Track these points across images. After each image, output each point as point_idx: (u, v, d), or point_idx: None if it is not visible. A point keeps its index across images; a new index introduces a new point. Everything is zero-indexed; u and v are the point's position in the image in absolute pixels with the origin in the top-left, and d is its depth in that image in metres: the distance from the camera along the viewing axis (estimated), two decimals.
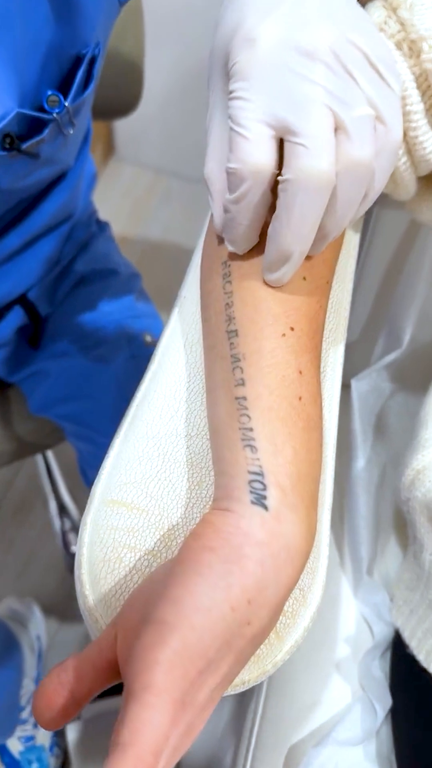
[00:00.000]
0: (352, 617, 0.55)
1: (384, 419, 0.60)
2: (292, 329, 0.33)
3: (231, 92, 0.30)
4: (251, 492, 0.30)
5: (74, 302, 0.73)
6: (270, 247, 0.32)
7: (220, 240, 0.36)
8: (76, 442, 0.75)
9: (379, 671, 0.52)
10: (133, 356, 0.72)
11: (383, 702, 0.50)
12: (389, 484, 0.58)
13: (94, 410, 0.71)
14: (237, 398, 0.32)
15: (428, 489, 0.49)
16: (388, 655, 0.53)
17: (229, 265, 0.35)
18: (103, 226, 0.79)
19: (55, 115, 0.48)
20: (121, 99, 0.79)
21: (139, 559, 0.32)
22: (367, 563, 0.56)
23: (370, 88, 0.30)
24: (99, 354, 0.72)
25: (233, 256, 0.35)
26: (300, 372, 0.33)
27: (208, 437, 0.35)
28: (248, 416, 0.32)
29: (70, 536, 1.11)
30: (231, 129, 0.30)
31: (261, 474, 0.30)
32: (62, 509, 1.10)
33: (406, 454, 0.53)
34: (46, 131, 0.48)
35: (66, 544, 1.10)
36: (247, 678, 0.31)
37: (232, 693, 0.31)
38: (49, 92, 0.47)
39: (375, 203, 0.55)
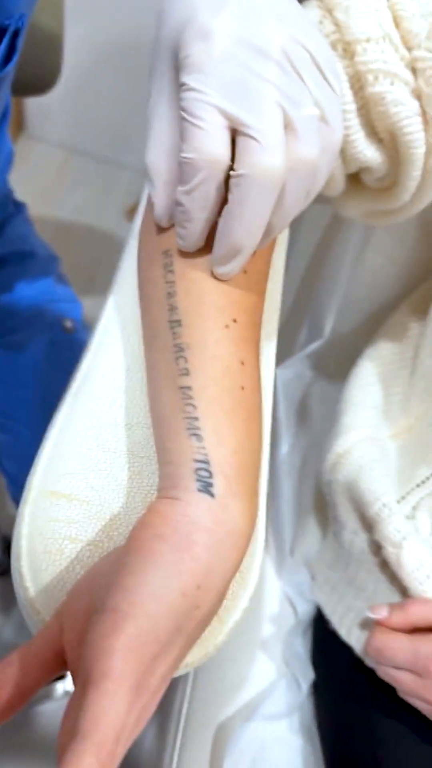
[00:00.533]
0: (275, 597, 0.57)
1: (306, 406, 0.63)
2: (234, 321, 0.34)
3: (183, 84, 0.30)
4: (198, 480, 0.30)
5: None
6: (221, 240, 0.32)
7: (160, 229, 0.36)
8: None
9: (302, 648, 0.55)
10: (52, 342, 0.71)
11: (306, 677, 0.53)
12: (311, 468, 0.61)
13: (10, 399, 0.69)
14: (181, 388, 0.33)
15: (348, 472, 0.51)
16: (310, 632, 0.56)
17: (171, 255, 0.35)
18: (20, 207, 0.76)
19: None
20: (40, 75, 0.76)
21: (81, 550, 0.32)
22: (289, 544, 0.58)
23: (315, 88, 0.31)
24: (15, 340, 0.69)
25: (175, 247, 0.35)
26: (242, 363, 0.34)
27: (149, 427, 0.35)
28: (193, 405, 0.32)
29: None
30: (184, 119, 0.30)
31: (207, 462, 0.31)
32: None
33: (328, 439, 0.55)
34: None
35: None
36: (190, 661, 0.32)
37: (175, 675, 0.32)
38: None
39: None
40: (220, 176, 0.30)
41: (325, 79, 0.32)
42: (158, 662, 0.26)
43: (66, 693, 0.85)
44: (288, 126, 0.30)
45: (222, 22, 0.30)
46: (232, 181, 0.30)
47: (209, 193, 0.31)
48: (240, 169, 0.30)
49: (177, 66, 0.31)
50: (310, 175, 0.32)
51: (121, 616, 0.25)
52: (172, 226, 0.36)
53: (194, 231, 0.33)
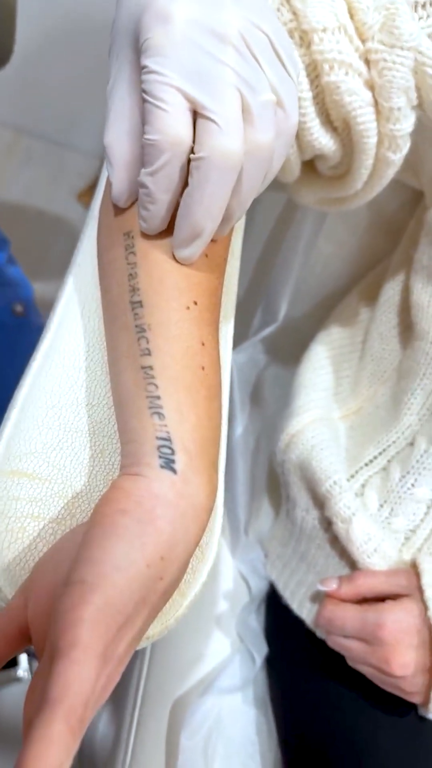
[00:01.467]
0: (230, 575, 0.59)
1: (259, 390, 0.64)
2: (195, 303, 0.35)
3: (145, 67, 0.30)
4: (160, 457, 0.31)
5: None
6: (182, 223, 0.33)
7: (121, 211, 0.37)
8: None
9: (256, 623, 0.56)
10: (1, 326, 0.70)
11: (260, 651, 0.55)
12: (264, 449, 0.62)
13: None
14: (143, 368, 0.33)
15: (301, 452, 0.53)
16: (264, 608, 0.58)
17: (133, 237, 0.36)
18: None
19: None
20: None
21: (44, 528, 0.32)
22: (243, 524, 0.60)
23: (272, 73, 0.32)
24: None
25: (138, 229, 0.35)
26: (202, 343, 0.34)
27: (110, 406, 0.36)
28: (155, 385, 0.33)
29: None
30: (147, 101, 0.30)
31: (169, 440, 0.31)
32: None
33: (281, 420, 0.57)
34: None
35: None
36: (151, 633, 0.33)
37: (137, 648, 0.33)
38: None
39: None
40: (183, 158, 0.31)
41: (282, 64, 0.32)
42: (124, 632, 0.27)
43: (26, 675, 0.85)
44: (245, 111, 0.31)
45: (181, 5, 0.30)
46: (192, 164, 0.31)
47: (173, 174, 0.31)
48: (200, 152, 0.30)
49: (137, 49, 0.31)
50: (267, 159, 0.32)
51: (88, 587, 0.26)
52: (132, 206, 0.36)
53: (157, 213, 0.33)
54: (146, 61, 0.30)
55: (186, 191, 0.32)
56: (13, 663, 0.83)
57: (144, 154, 0.31)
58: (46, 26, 1.41)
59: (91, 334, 0.38)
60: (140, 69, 0.31)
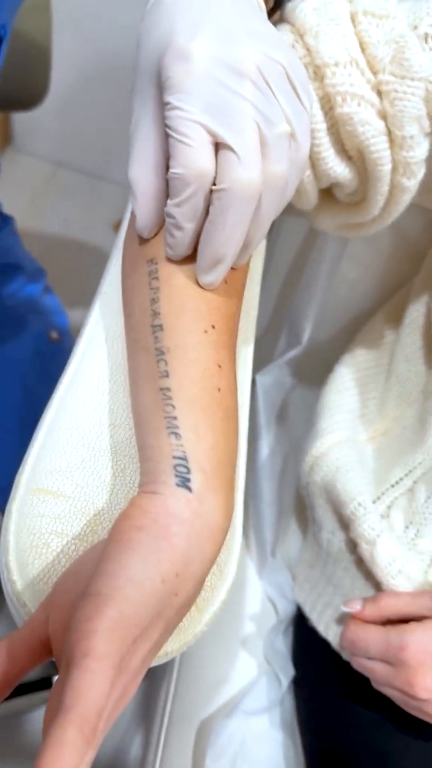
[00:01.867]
0: (257, 597, 0.59)
1: (285, 411, 0.65)
2: (213, 327, 0.36)
3: (168, 103, 0.32)
4: (176, 475, 0.32)
5: None
6: (205, 250, 0.34)
7: (144, 240, 0.38)
8: None
9: (283, 645, 0.56)
10: (37, 352, 0.72)
11: (286, 673, 0.54)
12: (290, 471, 0.63)
13: None
14: (161, 389, 0.34)
15: (326, 474, 0.54)
16: (291, 630, 0.58)
17: (156, 263, 0.37)
18: (7, 220, 0.78)
19: None
20: (28, 90, 0.78)
21: (66, 544, 0.33)
22: (271, 546, 0.60)
23: (287, 105, 0.33)
24: (2, 349, 0.71)
25: (161, 256, 0.37)
26: (219, 366, 0.36)
27: (131, 427, 0.37)
28: (172, 405, 0.34)
29: None
30: (171, 137, 0.32)
31: (185, 459, 0.32)
32: None
33: (306, 443, 0.58)
34: None
35: None
36: (170, 649, 0.34)
37: (156, 663, 0.33)
38: None
39: None
40: (207, 188, 0.33)
41: (297, 95, 0.34)
42: (139, 645, 0.28)
43: None
44: (262, 143, 0.32)
45: (200, 43, 0.32)
46: (214, 195, 0.32)
47: (197, 204, 0.33)
48: (222, 183, 0.32)
49: (159, 85, 0.33)
50: (282, 188, 0.34)
51: (103, 599, 0.27)
52: (156, 235, 0.38)
53: (183, 240, 0.35)
54: (169, 98, 0.32)
55: (208, 220, 0.33)
56: (48, 685, 0.84)
57: (170, 186, 0.33)
58: (82, 66, 1.47)
59: (114, 358, 0.39)
60: (163, 105, 0.33)
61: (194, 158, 0.32)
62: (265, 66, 0.33)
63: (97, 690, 0.25)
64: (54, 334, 0.74)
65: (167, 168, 0.34)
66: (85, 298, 0.42)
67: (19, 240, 0.79)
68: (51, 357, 0.71)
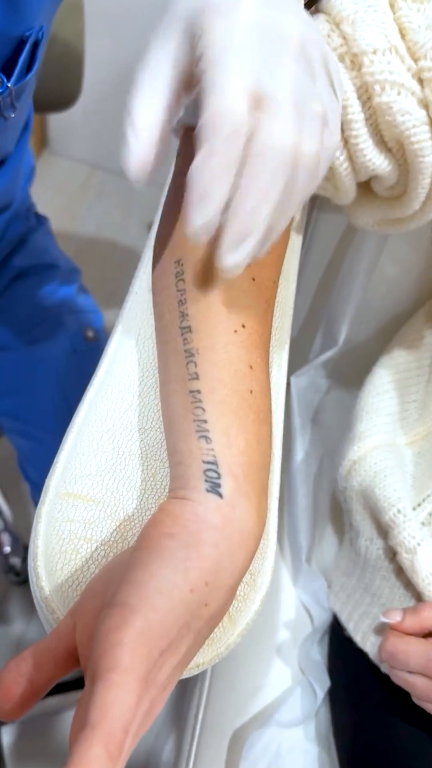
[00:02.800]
0: (291, 604, 0.57)
1: (320, 414, 0.63)
2: (243, 326, 0.35)
3: (202, 54, 0.29)
4: (206, 481, 0.31)
5: (13, 297, 0.72)
6: (231, 223, 0.30)
7: (172, 240, 0.37)
8: (14, 439, 0.74)
9: (318, 655, 0.55)
10: (74, 351, 0.72)
11: (322, 684, 0.53)
12: (326, 475, 0.61)
13: (33, 406, 0.70)
14: (191, 392, 0.33)
15: (363, 478, 0.52)
16: (326, 639, 0.56)
17: (182, 264, 0.36)
18: (41, 220, 0.78)
19: None
20: (61, 91, 0.78)
21: (96, 549, 0.33)
22: (305, 552, 0.58)
23: (322, 88, 0.31)
24: (39, 349, 0.71)
25: (188, 257, 0.36)
26: (251, 367, 0.34)
27: (161, 430, 0.36)
28: (202, 409, 0.33)
29: (3, 536, 1.09)
30: (205, 86, 0.29)
31: (215, 463, 0.31)
32: None
33: (342, 446, 0.56)
34: None
35: None
36: (201, 661, 0.32)
37: (187, 676, 0.32)
38: None
39: (314, 207, 0.57)
40: (240, 142, 0.29)
41: (331, 82, 0.32)
42: (167, 657, 0.27)
43: None
44: (297, 116, 0.30)
45: (245, 3, 0.30)
46: (247, 154, 0.29)
47: (229, 161, 0.29)
48: (256, 144, 0.29)
49: (190, 35, 0.31)
50: (312, 170, 0.31)
51: (130, 609, 0.26)
52: (184, 238, 0.36)
53: (209, 209, 0.30)
54: (207, 50, 0.29)
55: (238, 187, 0.30)
56: (78, 686, 0.84)
57: (199, 139, 0.29)
58: (116, 68, 1.47)
59: (145, 360, 0.39)
60: (188, 55, 0.30)
61: (230, 106, 0.28)
62: (307, 44, 0.31)
63: (123, 705, 0.24)
64: (90, 333, 0.74)
65: (174, 116, 0.31)
66: (119, 298, 0.42)
67: (55, 240, 0.79)
68: (87, 356, 0.71)
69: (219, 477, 0.31)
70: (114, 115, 1.57)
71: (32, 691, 0.28)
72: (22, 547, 1.08)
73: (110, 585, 0.29)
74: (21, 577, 1.09)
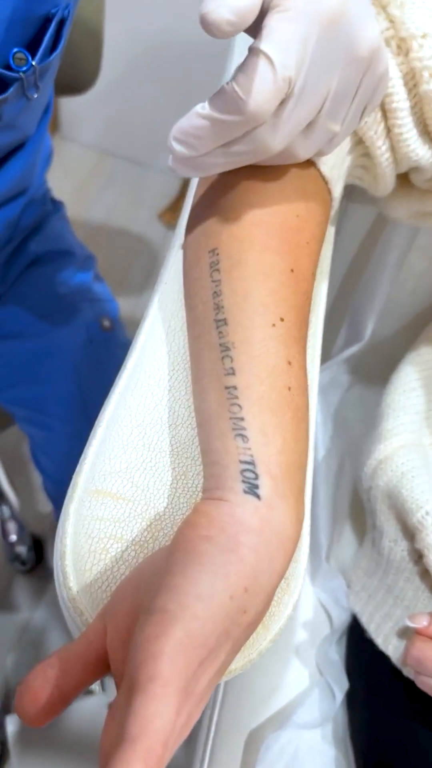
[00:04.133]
0: (310, 603, 0.56)
1: (342, 411, 0.62)
2: (281, 320, 0.34)
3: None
4: (243, 481, 0.30)
5: (28, 283, 0.70)
6: None
7: (207, 228, 0.36)
8: (27, 428, 0.73)
9: (336, 655, 0.54)
10: (90, 341, 0.71)
11: (341, 686, 0.52)
12: (347, 473, 0.60)
13: (48, 395, 0.69)
14: (227, 387, 0.32)
15: (390, 478, 0.50)
16: (345, 640, 0.55)
17: (218, 254, 0.35)
18: (57, 206, 0.76)
19: (21, 74, 0.46)
20: (80, 74, 0.77)
21: (126, 549, 0.31)
22: (325, 550, 0.57)
23: (351, 114, 0.34)
24: (54, 337, 0.70)
25: (223, 246, 0.35)
26: (289, 362, 0.33)
27: (193, 426, 0.35)
28: (239, 406, 0.31)
29: (9, 525, 1.08)
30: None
31: (252, 463, 0.30)
32: (0, 497, 1.07)
33: (366, 445, 0.55)
34: (11, 90, 0.46)
35: (5, 533, 1.07)
36: (233, 667, 0.31)
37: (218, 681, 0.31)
38: (16, 49, 0.45)
39: (344, 197, 0.55)
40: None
41: (362, 111, 0.34)
42: (205, 667, 0.25)
43: (98, 688, 0.85)
44: (311, 124, 0.32)
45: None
46: None
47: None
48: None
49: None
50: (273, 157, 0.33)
51: (170, 618, 0.25)
52: (218, 223, 0.35)
53: None
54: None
55: None
56: None
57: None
58: (130, 53, 1.45)
59: (175, 353, 0.37)
60: None
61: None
62: (374, 60, 0.32)
63: (163, 718, 0.23)
64: (106, 323, 0.73)
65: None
66: (128, 286, 0.41)
67: (70, 226, 0.78)
68: (103, 346, 0.70)
69: (257, 477, 0.30)
70: (126, 102, 1.55)
71: (60, 697, 0.27)
72: (28, 535, 1.07)
73: (142, 587, 0.28)
74: (26, 566, 1.08)
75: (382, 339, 0.59)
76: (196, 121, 0.30)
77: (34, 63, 0.47)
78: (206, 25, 0.27)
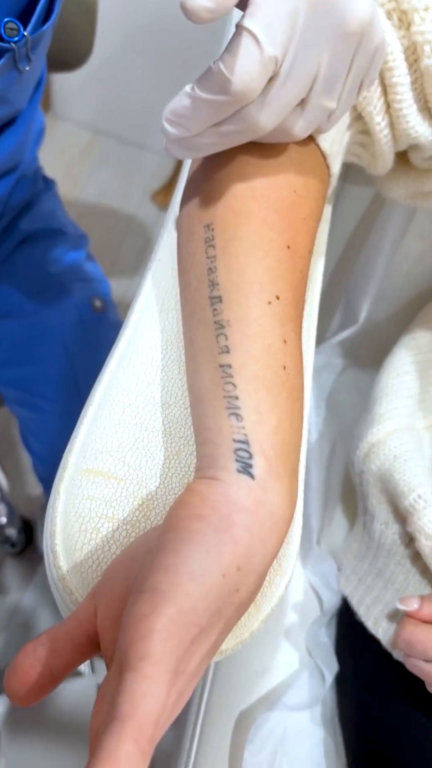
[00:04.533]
0: (300, 586, 0.56)
1: (336, 394, 0.61)
2: (277, 297, 0.33)
3: None
4: (237, 461, 0.29)
5: (19, 261, 0.69)
6: None
7: (201, 202, 0.35)
8: (16, 409, 0.72)
9: (327, 638, 0.54)
10: (81, 321, 0.70)
11: (330, 668, 0.52)
12: (339, 456, 0.60)
13: (38, 376, 0.68)
14: (221, 366, 0.32)
15: (382, 462, 0.50)
16: (335, 622, 0.55)
17: (213, 229, 0.34)
18: (49, 184, 0.75)
19: (12, 44, 0.45)
20: (74, 48, 0.75)
21: (117, 529, 0.31)
22: (316, 533, 0.57)
23: (347, 91, 0.33)
24: (45, 317, 0.69)
25: (219, 221, 0.34)
26: (285, 341, 0.33)
27: (186, 405, 0.34)
28: (233, 384, 0.31)
29: None
30: None
31: (246, 443, 0.30)
32: None
33: (360, 428, 0.54)
34: (2, 61, 0.45)
35: None
36: (225, 647, 0.31)
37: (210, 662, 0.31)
38: (7, 19, 0.44)
39: (340, 178, 0.55)
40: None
41: (359, 86, 0.33)
42: (197, 645, 0.25)
43: (86, 669, 0.85)
44: (304, 100, 0.31)
45: None
46: None
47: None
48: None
49: None
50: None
51: (161, 596, 0.24)
52: (214, 197, 0.35)
53: None
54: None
55: None
56: None
57: None
58: (124, 31, 1.42)
59: (168, 331, 0.37)
60: None
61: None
62: (365, 36, 0.30)
63: (154, 698, 0.23)
64: (98, 303, 0.72)
65: None
66: (120, 266, 0.40)
67: (62, 205, 0.76)
68: (94, 326, 0.69)
69: (250, 457, 0.29)
70: (120, 80, 1.53)
71: (50, 676, 0.27)
72: (18, 518, 1.07)
73: (134, 567, 0.28)
74: (16, 549, 1.08)
75: (377, 322, 0.58)
76: (185, 102, 0.30)
77: (26, 33, 0.46)
78: (186, 12, 0.27)
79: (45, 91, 1.61)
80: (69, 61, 0.79)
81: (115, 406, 0.34)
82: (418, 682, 0.45)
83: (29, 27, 0.46)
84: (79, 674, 0.87)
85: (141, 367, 0.35)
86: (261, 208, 0.34)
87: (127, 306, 0.39)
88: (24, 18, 0.46)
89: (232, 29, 0.55)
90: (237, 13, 0.64)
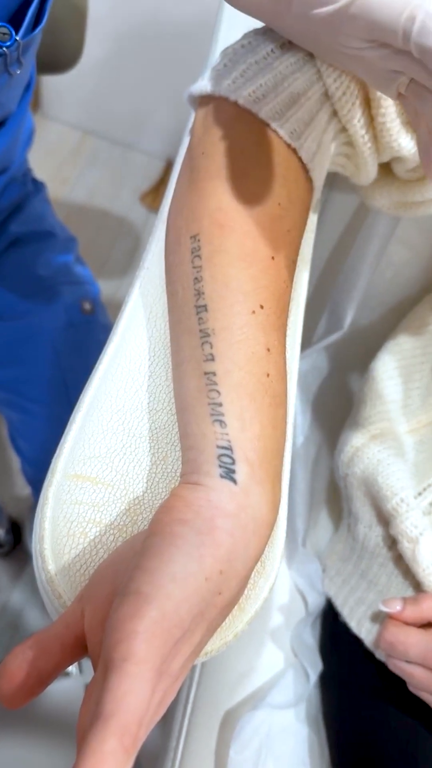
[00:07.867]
0: (286, 587, 0.57)
1: (321, 398, 0.62)
2: (261, 307, 0.34)
3: None
4: (220, 466, 0.30)
5: (7, 264, 0.69)
6: None
7: (188, 213, 0.36)
8: (5, 411, 0.72)
9: (311, 638, 0.55)
10: (70, 324, 0.70)
11: (315, 667, 0.53)
12: (324, 460, 0.60)
13: (27, 378, 0.68)
14: (206, 373, 0.32)
15: (366, 465, 0.51)
16: (320, 623, 0.56)
17: (199, 240, 0.35)
18: (39, 186, 0.75)
19: (4, 49, 0.46)
20: (63, 51, 0.75)
21: (105, 533, 0.32)
22: (302, 535, 0.58)
23: None
24: (34, 320, 0.69)
25: (204, 232, 0.35)
26: (268, 349, 0.33)
27: (172, 412, 0.35)
28: (217, 391, 0.32)
29: None
30: None
31: (230, 449, 0.30)
32: None
33: (344, 432, 0.55)
34: None
35: None
36: (209, 649, 0.32)
37: (195, 663, 0.32)
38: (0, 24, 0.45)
39: (326, 185, 0.56)
40: None
41: None
42: (180, 647, 0.26)
43: (74, 670, 0.85)
44: None
45: None
46: None
47: None
48: None
49: None
50: None
51: (144, 598, 0.25)
52: (198, 208, 0.35)
53: None
54: None
55: None
56: None
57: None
58: (114, 32, 1.42)
59: (156, 339, 0.37)
60: None
61: None
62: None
63: (137, 696, 0.23)
64: (87, 305, 0.72)
65: None
66: (109, 268, 0.40)
67: (52, 207, 0.77)
68: (84, 328, 0.70)
69: (233, 463, 0.30)
70: (110, 81, 1.53)
71: (38, 679, 0.27)
72: (6, 518, 1.07)
73: (120, 571, 0.28)
74: (4, 549, 1.08)
75: (362, 328, 0.59)
76: None
77: (17, 38, 0.46)
78: None
79: (34, 90, 1.61)
80: (59, 64, 0.79)
81: (103, 412, 0.35)
82: (399, 682, 0.46)
83: (21, 31, 0.46)
84: (67, 675, 0.87)
85: (129, 373, 0.36)
86: (245, 221, 0.34)
87: (116, 307, 0.40)
88: (15, 22, 0.46)
89: (221, 34, 0.56)
90: (226, 19, 0.65)
